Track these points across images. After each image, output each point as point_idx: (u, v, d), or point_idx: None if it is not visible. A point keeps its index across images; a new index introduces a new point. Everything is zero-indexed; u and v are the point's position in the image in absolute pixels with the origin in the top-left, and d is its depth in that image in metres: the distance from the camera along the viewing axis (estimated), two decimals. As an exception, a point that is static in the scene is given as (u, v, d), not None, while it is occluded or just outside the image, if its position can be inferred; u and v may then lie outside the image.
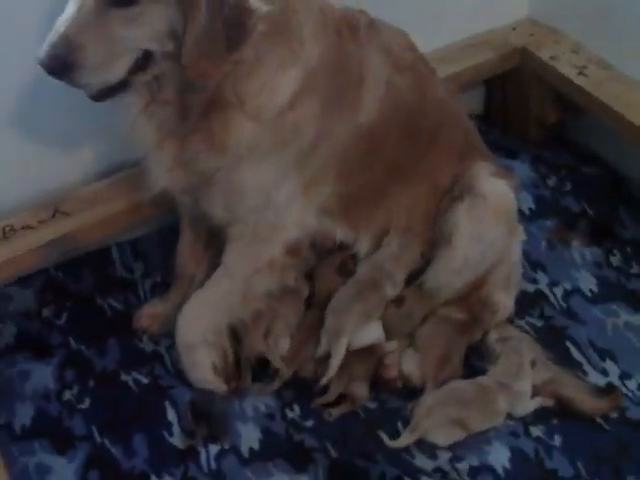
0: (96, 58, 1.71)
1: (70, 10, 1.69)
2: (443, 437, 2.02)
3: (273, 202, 2.04)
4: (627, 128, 2.51)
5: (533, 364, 2.11)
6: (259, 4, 1.74)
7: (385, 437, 2.03)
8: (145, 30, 1.73)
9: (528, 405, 2.09)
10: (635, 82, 2.60)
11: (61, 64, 1.69)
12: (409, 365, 2.14)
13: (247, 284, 2.11)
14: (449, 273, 2.18)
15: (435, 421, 2.01)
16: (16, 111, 2.19)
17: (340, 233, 2.22)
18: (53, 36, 1.68)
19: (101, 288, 2.40)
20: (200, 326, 2.12)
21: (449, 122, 2.25)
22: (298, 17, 1.91)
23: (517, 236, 2.30)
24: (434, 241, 2.23)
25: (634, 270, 2.47)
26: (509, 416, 2.09)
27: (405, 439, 2.01)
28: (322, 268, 2.29)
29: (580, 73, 2.65)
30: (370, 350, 2.14)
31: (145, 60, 1.80)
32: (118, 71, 1.77)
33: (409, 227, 2.25)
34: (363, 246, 2.27)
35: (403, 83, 2.14)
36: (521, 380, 2.09)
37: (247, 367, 2.16)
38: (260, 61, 1.86)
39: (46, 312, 2.33)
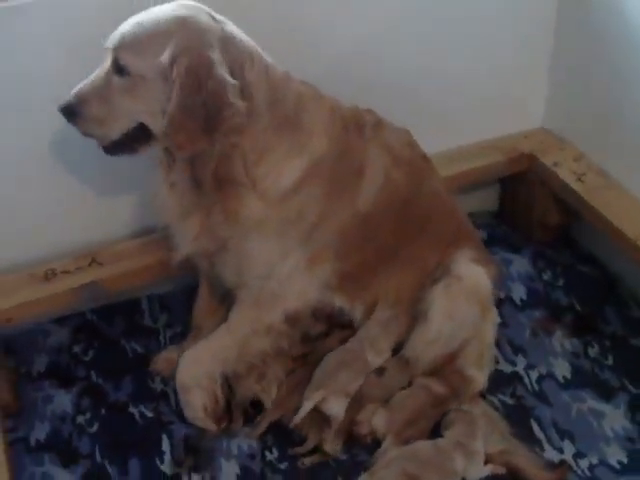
0: (96, 113, 2.03)
1: (93, 74, 2.04)
2: (397, 490, 2.13)
3: (276, 273, 2.23)
4: (615, 234, 2.61)
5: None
6: (236, 100, 1.94)
7: (345, 483, 2.18)
8: (136, 101, 2.00)
9: (481, 470, 2.19)
10: (628, 192, 2.71)
11: (70, 111, 2.04)
12: (377, 420, 2.28)
13: (244, 342, 2.31)
14: (424, 344, 2.33)
15: (392, 473, 2.12)
16: (67, 173, 2.49)
17: (338, 301, 2.40)
18: (74, 90, 2.04)
19: (127, 333, 2.67)
20: (196, 371, 2.31)
21: (441, 212, 2.42)
22: (309, 114, 2.14)
23: (491, 318, 2.43)
24: (415, 316, 2.38)
25: (609, 362, 2.55)
26: (462, 480, 2.20)
27: (362, 482, 2.15)
28: (330, 339, 2.49)
29: (578, 180, 2.77)
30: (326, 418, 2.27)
31: (143, 131, 2.05)
32: (114, 130, 2.06)
33: (397, 303, 2.41)
34: (358, 314, 2.43)
35: (400, 176, 2.30)
36: (475, 440, 2.20)
37: (239, 411, 2.36)
38: (269, 149, 2.09)
39: (76, 348, 2.61)
